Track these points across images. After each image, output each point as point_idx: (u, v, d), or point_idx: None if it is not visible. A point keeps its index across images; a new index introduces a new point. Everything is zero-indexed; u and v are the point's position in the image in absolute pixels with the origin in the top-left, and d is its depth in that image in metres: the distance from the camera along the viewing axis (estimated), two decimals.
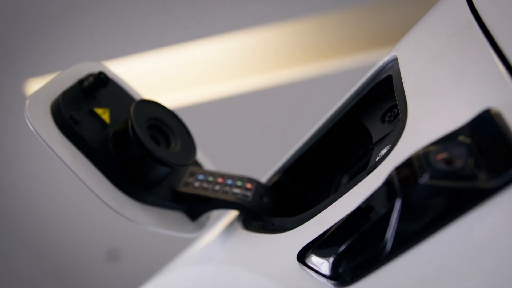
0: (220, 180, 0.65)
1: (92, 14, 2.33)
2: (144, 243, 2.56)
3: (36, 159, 2.44)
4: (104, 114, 0.62)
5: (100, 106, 0.62)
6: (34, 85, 2.48)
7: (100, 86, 0.61)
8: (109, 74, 0.64)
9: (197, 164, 0.72)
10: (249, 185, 0.64)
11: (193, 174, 0.66)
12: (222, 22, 2.32)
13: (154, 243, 2.43)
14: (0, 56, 2.47)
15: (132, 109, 0.60)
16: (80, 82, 0.61)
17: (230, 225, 0.69)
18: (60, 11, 2.33)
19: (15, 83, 2.49)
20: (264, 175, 0.72)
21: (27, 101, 0.57)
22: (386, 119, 0.59)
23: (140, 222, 0.62)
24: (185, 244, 0.82)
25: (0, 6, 2.36)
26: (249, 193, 0.63)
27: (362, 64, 2.28)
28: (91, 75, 0.62)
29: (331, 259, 0.42)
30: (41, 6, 2.35)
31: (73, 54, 2.36)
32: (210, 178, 0.66)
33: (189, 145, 0.66)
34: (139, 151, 0.60)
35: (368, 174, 0.46)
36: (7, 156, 2.50)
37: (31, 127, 0.55)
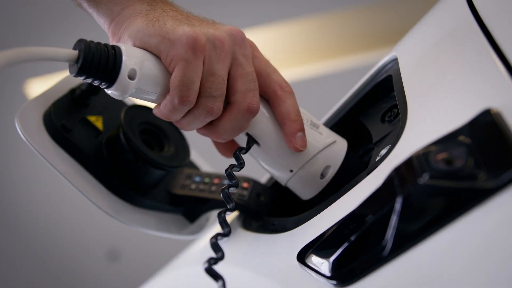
0: (216, 181, 0.65)
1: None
2: (144, 243, 2.56)
3: (37, 159, 2.44)
4: (97, 121, 0.62)
5: (93, 114, 0.62)
6: (34, 85, 2.48)
7: (91, 94, 0.62)
8: None
9: (194, 167, 0.72)
10: (245, 184, 0.64)
11: (189, 176, 0.67)
12: (221, 22, 2.32)
13: (154, 243, 2.43)
14: None
15: (122, 114, 0.60)
16: (72, 91, 0.62)
17: (230, 226, 0.69)
18: (61, 11, 2.33)
19: (15, 83, 2.49)
20: (264, 175, 0.72)
21: (18, 113, 0.57)
22: (386, 119, 0.59)
23: (138, 226, 0.62)
24: (185, 244, 0.82)
25: (0, 6, 2.36)
26: (245, 192, 0.63)
27: (362, 64, 2.28)
28: (82, 83, 0.62)
29: (331, 259, 0.42)
30: (41, 6, 2.35)
31: None
32: (207, 180, 0.66)
33: (182, 147, 0.66)
34: (132, 155, 0.60)
35: (368, 174, 0.46)
36: (7, 157, 2.50)
37: (22, 136, 0.55)
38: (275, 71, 0.56)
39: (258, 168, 0.60)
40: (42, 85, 2.39)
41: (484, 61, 0.40)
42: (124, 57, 0.48)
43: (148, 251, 2.54)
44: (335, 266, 0.41)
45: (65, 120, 0.59)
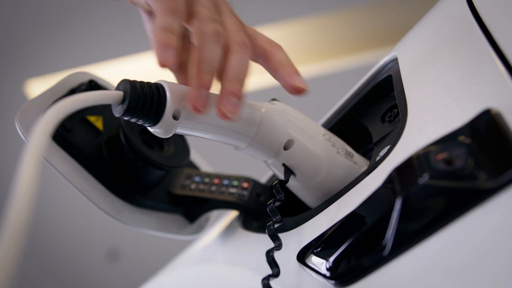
0: (216, 181, 0.65)
1: (92, 15, 2.34)
2: (144, 243, 2.56)
3: None
4: (97, 121, 0.62)
5: (93, 114, 0.62)
6: (34, 85, 2.48)
7: None
8: (100, 82, 0.64)
9: (194, 167, 0.72)
10: (245, 184, 0.64)
11: (189, 176, 0.67)
12: None
13: (154, 243, 2.43)
14: (0, 56, 2.47)
15: None
16: (72, 91, 0.61)
17: (230, 226, 0.69)
18: (61, 11, 2.33)
19: (15, 83, 2.49)
20: (264, 175, 0.72)
21: (18, 113, 0.57)
22: (386, 119, 0.59)
23: (138, 227, 0.62)
24: (185, 244, 0.82)
25: (1, 6, 2.36)
26: (245, 192, 0.63)
27: (362, 64, 2.28)
28: (82, 84, 0.62)
29: (331, 259, 0.42)
30: (41, 6, 2.35)
31: (73, 54, 2.36)
32: (207, 180, 0.66)
33: (182, 147, 0.66)
34: (132, 155, 0.60)
35: (368, 174, 0.46)
36: (7, 156, 2.50)
37: (22, 137, 0.55)
38: (259, 32, 0.55)
39: (258, 168, 0.60)
40: (42, 85, 2.39)
41: (484, 61, 0.40)
42: (168, 97, 0.47)
43: (148, 251, 2.54)
44: (335, 266, 0.41)
45: (65, 120, 0.59)
